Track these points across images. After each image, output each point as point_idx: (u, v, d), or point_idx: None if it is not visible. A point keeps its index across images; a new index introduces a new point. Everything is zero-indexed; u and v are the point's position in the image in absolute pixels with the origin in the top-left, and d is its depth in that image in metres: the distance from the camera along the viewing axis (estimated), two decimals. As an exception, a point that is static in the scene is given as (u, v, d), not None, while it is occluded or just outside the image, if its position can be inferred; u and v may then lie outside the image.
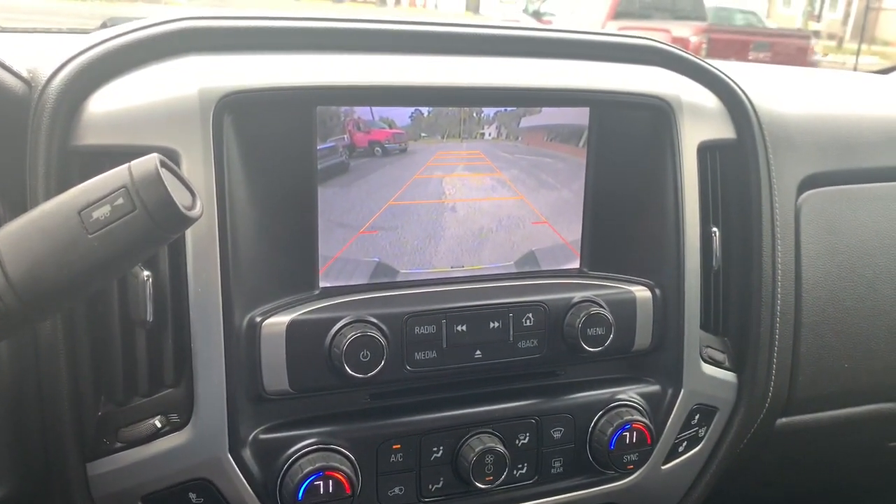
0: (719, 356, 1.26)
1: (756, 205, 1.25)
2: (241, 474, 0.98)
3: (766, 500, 1.86)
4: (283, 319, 0.98)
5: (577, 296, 1.11)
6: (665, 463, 1.23)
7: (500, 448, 1.07)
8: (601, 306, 1.10)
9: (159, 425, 0.96)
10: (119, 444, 0.96)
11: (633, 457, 1.14)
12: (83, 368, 0.96)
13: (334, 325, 0.99)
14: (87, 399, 0.96)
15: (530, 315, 1.09)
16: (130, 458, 0.96)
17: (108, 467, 0.96)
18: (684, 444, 1.24)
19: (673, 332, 1.18)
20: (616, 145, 1.16)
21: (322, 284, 1.05)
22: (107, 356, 0.96)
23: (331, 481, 0.98)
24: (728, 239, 1.26)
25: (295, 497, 0.97)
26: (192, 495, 0.98)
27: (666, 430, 1.20)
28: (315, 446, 1.00)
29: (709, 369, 1.24)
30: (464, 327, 1.06)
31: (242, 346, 0.97)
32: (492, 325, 1.07)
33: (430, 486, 1.07)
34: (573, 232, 1.18)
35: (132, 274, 0.94)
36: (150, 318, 0.95)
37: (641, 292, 1.16)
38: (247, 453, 0.98)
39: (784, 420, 1.42)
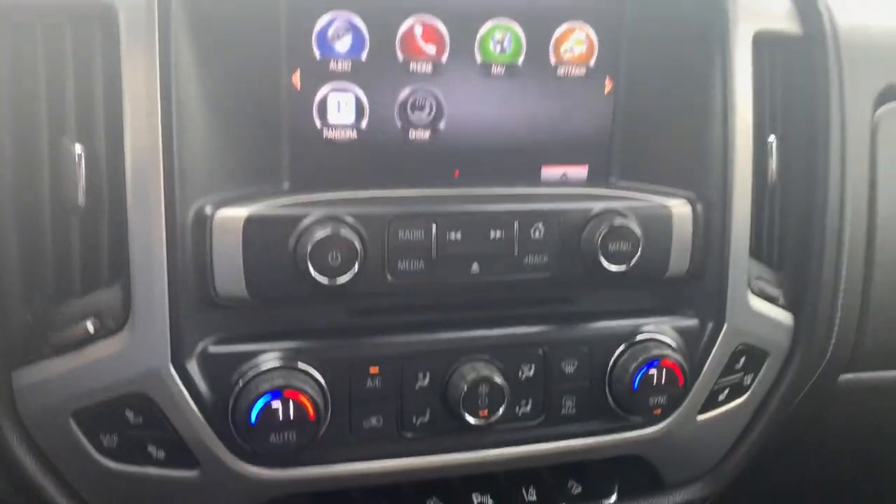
0: (772, 291, 1.06)
1: (823, 113, 1.04)
2: (185, 391, 0.83)
3: (825, 475, 1.65)
4: (239, 213, 0.83)
5: (599, 206, 0.93)
6: (702, 412, 1.04)
7: (498, 379, 0.90)
8: (627, 217, 0.92)
9: (92, 329, 0.82)
10: (48, 350, 0.83)
11: (661, 400, 0.95)
12: (9, 262, 0.82)
13: (300, 221, 0.83)
14: (14, 298, 0.82)
15: (540, 225, 0.91)
16: (60, 367, 0.82)
17: (35, 377, 0.83)
18: (725, 391, 1.05)
19: (716, 256, 0.99)
20: (656, 29, 0.97)
21: (292, 177, 0.90)
22: (36, 248, 0.82)
23: (291, 404, 0.83)
24: (787, 150, 1.05)
25: (247, 420, 0.82)
26: (128, 413, 0.84)
27: (703, 372, 1.01)
28: (276, 363, 0.85)
29: (759, 304, 1.04)
30: (458, 235, 0.89)
31: (189, 241, 0.82)
32: (493, 234, 0.90)
33: (414, 419, 0.91)
34: (601, 134, 0.99)
35: (64, 150, 0.80)
36: (82, 201, 0.81)
37: (680, 206, 0.96)
38: (193, 367, 0.84)
39: (849, 376, 1.21)
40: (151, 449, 0.85)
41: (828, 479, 1.58)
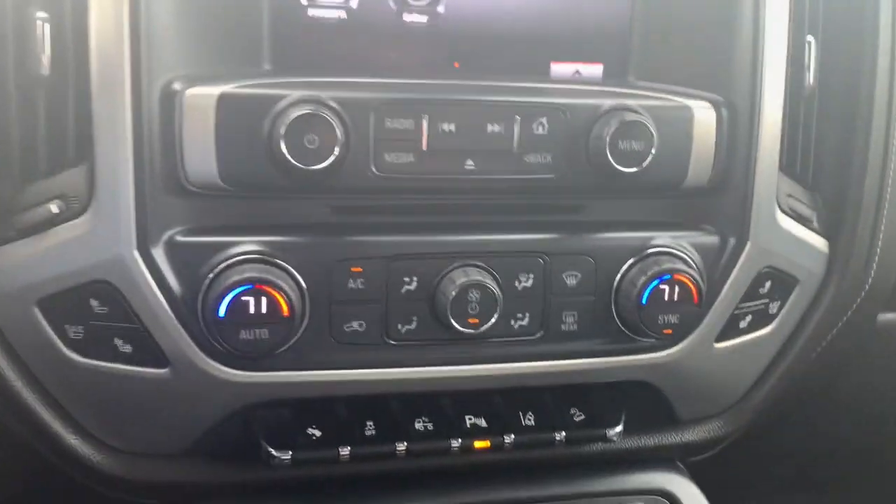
0: (805, 211, 0.97)
1: (872, 9, 0.93)
2: (150, 280, 0.78)
3: (859, 428, 1.53)
4: (212, 91, 0.76)
5: (610, 102, 0.84)
6: (721, 340, 0.95)
7: (491, 285, 0.83)
8: (641, 114, 0.83)
9: (56, 210, 0.77)
10: (12, 234, 0.78)
11: (673, 319, 0.87)
12: (-26, 140, 0.78)
13: (278, 102, 0.77)
14: None
15: (543, 121, 0.83)
16: (24, 251, 0.78)
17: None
18: (748, 318, 0.96)
19: (742, 166, 0.90)
20: None
21: (273, 59, 0.83)
22: (1, 124, 0.78)
23: (264, 299, 0.77)
24: (828, 53, 0.95)
25: (216, 313, 0.77)
26: (93, 302, 0.79)
27: (723, 293, 0.92)
28: (250, 255, 0.79)
29: (789, 224, 0.94)
30: (452, 126, 0.81)
31: (156, 119, 0.76)
32: (490, 128, 0.82)
33: (400, 326, 0.84)
34: (618, 29, 0.90)
35: (28, 17, 0.75)
36: (46, 71, 0.76)
37: (702, 109, 0.87)
38: (160, 255, 0.78)
39: (890, 316, 1.11)
40: (118, 342, 0.81)
41: (861, 432, 1.48)
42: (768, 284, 0.95)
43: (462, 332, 0.83)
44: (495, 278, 0.84)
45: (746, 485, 1.68)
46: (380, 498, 0.95)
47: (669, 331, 0.87)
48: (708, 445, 1.06)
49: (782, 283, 0.96)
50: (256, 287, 0.77)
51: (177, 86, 0.76)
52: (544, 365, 0.89)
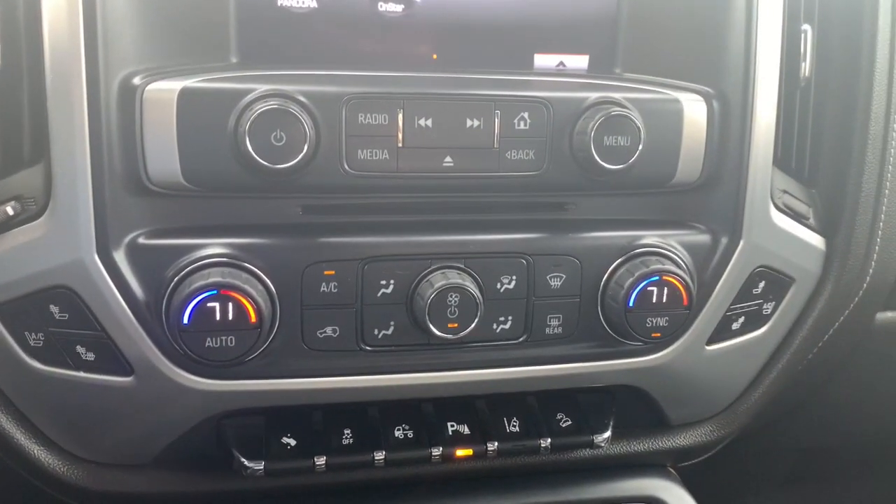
0: (801, 208, 0.93)
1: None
2: (112, 285, 0.74)
3: (857, 429, 1.49)
4: (172, 86, 0.72)
5: (595, 95, 0.80)
6: (712, 342, 0.92)
7: (471, 288, 0.79)
8: (627, 108, 0.79)
9: (11, 212, 0.73)
10: (-34, 237, 0.75)
11: (662, 322, 0.83)
12: (-74, 138, 0.74)
13: (243, 97, 0.73)
14: None
15: (525, 115, 0.79)
16: (-21, 256, 0.75)
17: (-46, 266, 0.75)
18: (741, 319, 0.92)
19: (734, 161, 0.86)
20: None
21: (241, 51, 0.79)
22: None
23: (230, 305, 0.73)
24: (825, 42, 0.91)
25: (180, 320, 0.73)
26: (53, 308, 0.75)
27: (714, 294, 0.88)
28: (215, 259, 0.76)
29: (784, 221, 0.91)
30: (429, 121, 0.77)
31: (114, 115, 0.72)
32: (469, 122, 0.78)
33: (376, 332, 0.81)
34: (604, 18, 0.86)
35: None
36: None
37: (692, 101, 0.83)
38: (121, 259, 0.75)
39: (888, 315, 1.07)
40: (80, 350, 0.77)
41: (859, 435, 1.44)
42: (762, 284, 0.91)
43: (441, 338, 0.79)
44: (476, 281, 0.80)
45: (738, 486, 1.65)
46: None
47: (658, 334, 0.84)
48: (699, 450, 1.03)
49: (777, 282, 0.93)
50: (222, 293, 0.73)
51: (136, 80, 0.72)
52: (528, 370, 0.86)
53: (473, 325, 0.79)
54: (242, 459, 0.84)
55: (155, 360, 0.77)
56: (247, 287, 0.74)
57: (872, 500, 1.90)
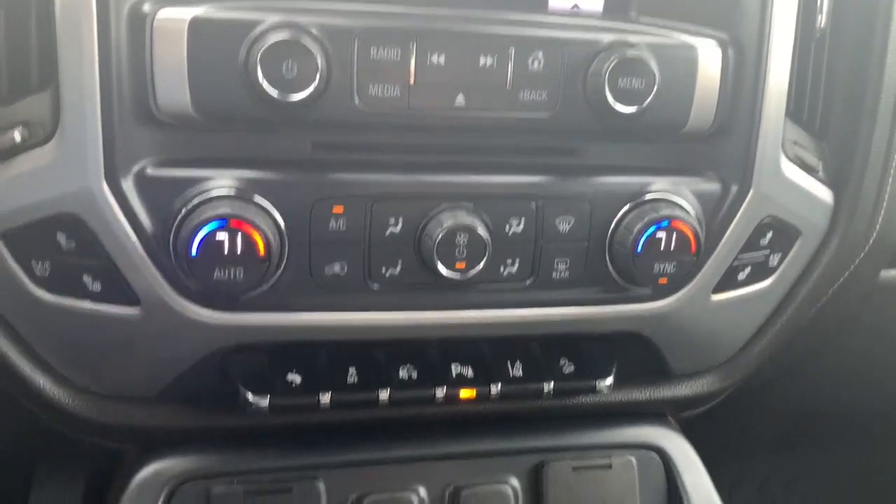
0: (811, 160, 0.92)
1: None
2: (120, 214, 0.74)
3: (858, 391, 1.50)
4: (184, 13, 0.71)
5: (610, 37, 0.79)
6: (718, 292, 0.92)
7: (481, 229, 0.79)
8: (642, 51, 0.78)
9: (19, 138, 0.73)
10: (-26, 162, 0.74)
11: (669, 268, 0.83)
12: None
13: (255, 26, 0.72)
14: None
15: (540, 55, 0.78)
16: (-14, 182, 0.74)
17: (-39, 192, 0.75)
18: (747, 270, 0.93)
19: (747, 109, 0.85)
20: None
21: None
22: None
23: (239, 237, 0.73)
24: (842, -9, 0.90)
25: (188, 250, 0.73)
26: (60, 237, 0.75)
27: (722, 242, 0.88)
28: (225, 192, 0.75)
29: (793, 172, 0.90)
30: (441, 58, 0.77)
31: (124, 42, 0.71)
32: (483, 61, 0.77)
33: (384, 270, 0.81)
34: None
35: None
36: None
37: (707, 47, 0.82)
38: (130, 188, 0.74)
39: (892, 273, 1.07)
40: (87, 279, 0.77)
41: (858, 400, 1.45)
42: (769, 235, 0.91)
43: (448, 278, 0.79)
44: (484, 222, 0.80)
45: (734, 446, 1.67)
46: (361, 446, 0.93)
47: (665, 280, 0.84)
48: (700, 400, 1.03)
49: (784, 234, 0.93)
50: (231, 224, 0.73)
51: (146, 7, 0.71)
52: (533, 312, 0.86)
53: (481, 266, 0.79)
54: (247, 395, 0.84)
55: (162, 291, 0.77)
56: (256, 220, 0.73)
57: (867, 470, 1.93)
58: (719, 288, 0.92)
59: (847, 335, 1.16)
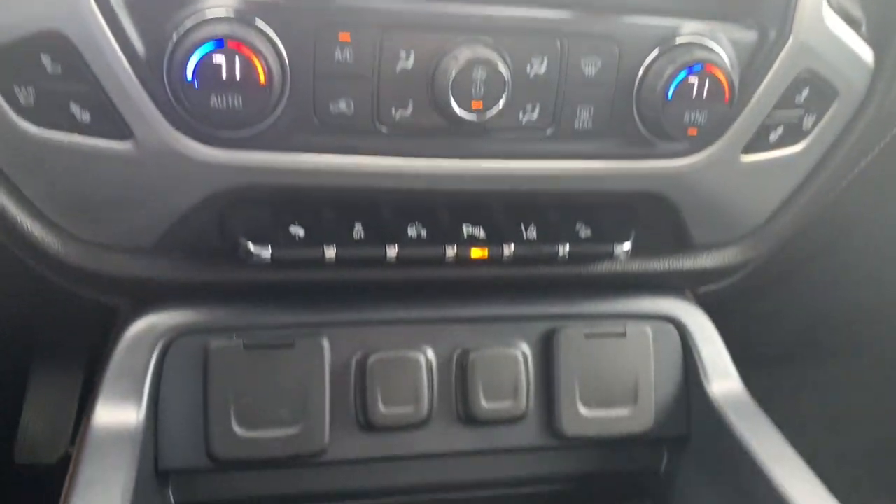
0: (856, 12, 0.85)
1: None
2: (109, 34, 0.68)
3: (871, 300, 1.47)
4: None
5: None
6: (747, 152, 0.86)
7: (500, 66, 0.72)
8: None
9: (-4, -55, 0.66)
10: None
11: (701, 118, 0.78)
12: None
13: None
14: None
15: None
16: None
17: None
18: (779, 129, 0.87)
19: None
20: None
21: None
22: None
23: (238, 60, 0.67)
24: None
25: (183, 74, 0.67)
26: (45, 59, 0.69)
27: (757, 95, 0.82)
28: (224, 12, 0.69)
29: (835, 24, 0.83)
30: None
31: None
32: None
33: (393, 110, 0.75)
34: None
35: None
36: None
37: None
38: (119, 5, 0.67)
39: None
40: (75, 109, 0.71)
41: (874, 301, 1.42)
42: (806, 92, 0.85)
43: (463, 118, 0.73)
44: (504, 59, 0.74)
45: (743, 353, 1.64)
46: (367, 306, 0.89)
47: (694, 131, 0.78)
48: (721, 273, 0.99)
49: (821, 93, 0.86)
50: (229, 45, 0.67)
51: None
52: (553, 165, 0.80)
53: (499, 107, 0.73)
54: (248, 245, 0.80)
55: (155, 122, 0.71)
56: (256, 43, 0.67)
57: (869, 384, 1.91)
58: (749, 148, 0.86)
59: (873, 222, 1.12)
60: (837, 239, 1.13)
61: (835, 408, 1.94)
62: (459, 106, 0.73)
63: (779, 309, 1.46)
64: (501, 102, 0.73)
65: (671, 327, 0.96)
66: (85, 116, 0.72)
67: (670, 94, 0.76)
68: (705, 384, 0.94)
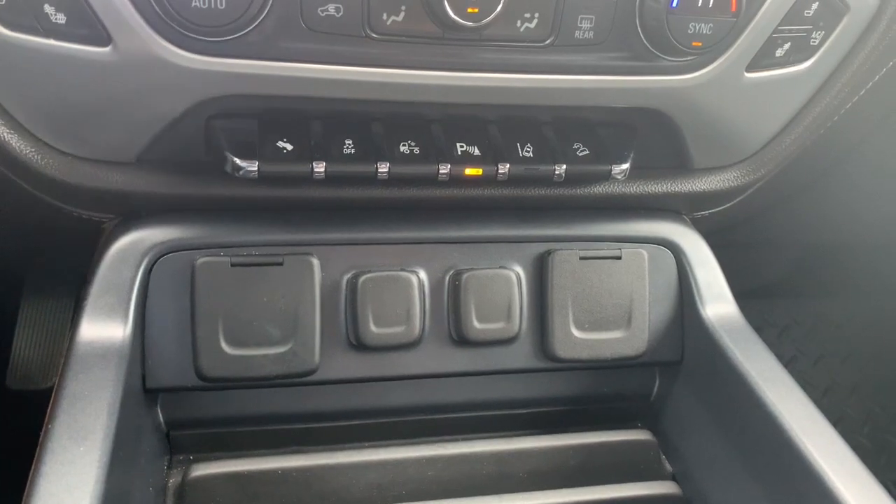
0: (869, -78, 0.82)
1: None
2: None
3: (863, 233, 1.45)
4: None
5: None
6: (752, 69, 0.83)
7: None
8: None
9: None
10: None
11: (705, 29, 0.74)
12: None
13: None
14: None
15: None
16: None
17: None
18: (786, 46, 0.83)
19: None
20: None
21: None
22: None
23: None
24: None
25: None
26: (49, 9, 0.66)
27: (764, 8, 0.78)
28: None
29: (849, -67, 0.80)
30: None
31: None
32: None
33: (385, 16, 0.71)
34: None
35: None
36: None
37: None
38: None
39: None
40: (49, 10, 0.67)
41: (866, 234, 1.40)
42: (815, 6, 0.81)
43: (458, 24, 0.70)
44: None
45: (739, 285, 1.64)
46: (358, 226, 0.87)
47: (699, 43, 0.75)
48: (718, 197, 0.97)
49: (831, 7, 0.83)
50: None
51: None
52: (551, 79, 0.77)
53: (496, 12, 0.70)
54: (235, 160, 0.77)
55: (135, 25, 0.68)
56: None
57: (863, 317, 1.92)
58: (754, 65, 0.83)
59: (871, 150, 1.09)
60: (836, 165, 1.11)
61: (832, 344, 1.95)
62: (454, 11, 0.69)
63: (771, 239, 1.45)
64: (499, 8, 0.70)
65: (667, 251, 0.94)
66: (60, 18, 0.68)
67: (675, 1, 0.73)
68: (700, 308, 0.92)
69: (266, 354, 0.83)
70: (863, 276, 1.76)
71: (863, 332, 1.96)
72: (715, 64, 0.80)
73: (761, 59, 0.83)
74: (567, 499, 0.85)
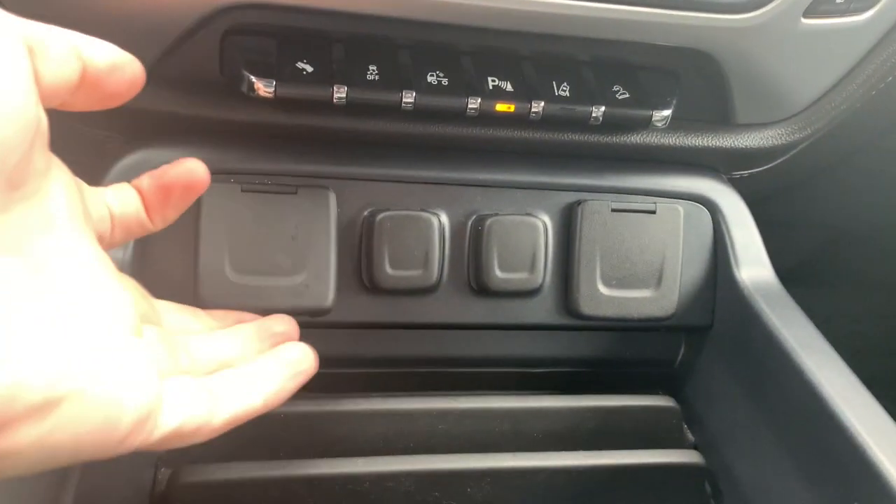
0: None
1: None
2: None
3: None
4: None
5: None
6: (809, 15, 0.77)
7: None
8: None
9: None
10: None
11: (761, -37, 0.69)
12: None
13: None
14: None
15: None
16: None
17: None
18: (847, -10, 0.78)
19: None
20: None
21: None
22: None
23: None
24: None
25: None
26: None
27: (828, -58, 0.73)
28: None
29: None
30: None
31: None
32: None
33: None
34: None
35: None
36: None
37: None
38: None
39: None
40: None
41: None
42: (883, -51, 0.76)
43: None
44: None
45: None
46: (378, 162, 0.82)
47: (754, -21, 0.69)
48: (760, 156, 0.91)
49: (898, -47, 0.77)
50: None
51: None
52: (595, 6, 0.72)
53: None
54: (251, 78, 0.72)
55: None
56: None
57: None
58: (812, 11, 0.77)
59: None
60: (880, 137, 1.05)
61: (847, 339, 1.90)
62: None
63: (792, 222, 1.39)
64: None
65: (703, 209, 0.89)
66: None
67: (732, -72, 0.67)
68: (735, 270, 0.87)
69: (276, 286, 0.78)
70: (883, 268, 1.71)
71: (878, 326, 1.91)
72: (772, 5, 0.74)
73: (819, 5, 0.77)
74: (583, 461, 0.80)
